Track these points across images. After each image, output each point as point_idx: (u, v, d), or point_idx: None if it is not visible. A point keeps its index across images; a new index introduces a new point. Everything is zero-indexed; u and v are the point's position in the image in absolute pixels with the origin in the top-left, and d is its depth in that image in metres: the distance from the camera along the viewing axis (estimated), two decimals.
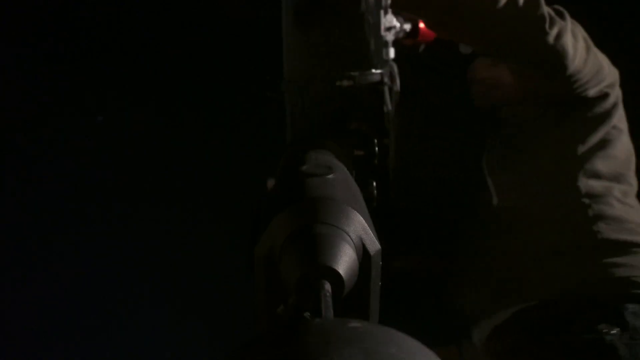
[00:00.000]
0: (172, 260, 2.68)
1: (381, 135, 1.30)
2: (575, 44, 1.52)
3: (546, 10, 1.49)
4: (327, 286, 0.65)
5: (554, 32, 1.47)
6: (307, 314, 0.68)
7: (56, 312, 2.68)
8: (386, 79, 1.30)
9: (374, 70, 1.28)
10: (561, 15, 1.53)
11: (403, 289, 1.56)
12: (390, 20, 1.41)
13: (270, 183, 1.15)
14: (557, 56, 1.49)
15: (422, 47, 1.71)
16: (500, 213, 1.58)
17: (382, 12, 1.29)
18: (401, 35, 1.55)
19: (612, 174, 1.55)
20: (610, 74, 1.63)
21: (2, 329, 2.63)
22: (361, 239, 0.74)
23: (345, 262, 0.69)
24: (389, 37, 1.39)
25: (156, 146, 2.66)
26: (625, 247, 1.44)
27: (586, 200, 1.48)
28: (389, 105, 1.34)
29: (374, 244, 0.75)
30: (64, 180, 2.64)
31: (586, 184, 1.52)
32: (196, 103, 2.61)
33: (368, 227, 0.76)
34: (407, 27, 1.60)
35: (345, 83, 1.22)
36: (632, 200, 1.57)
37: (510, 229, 1.55)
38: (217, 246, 2.55)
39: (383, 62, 1.33)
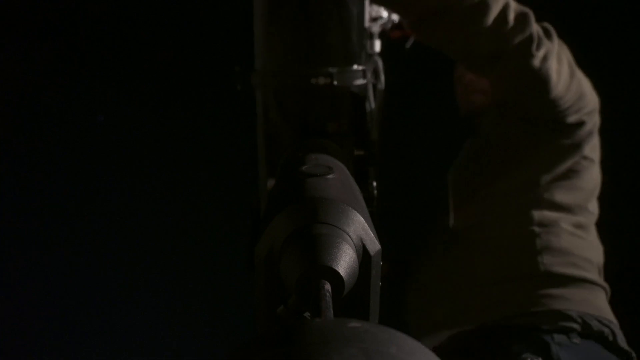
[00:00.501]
0: (172, 260, 2.69)
1: (363, 137, 1.20)
2: (560, 69, 1.47)
3: (535, 29, 1.41)
4: (327, 286, 0.65)
5: (539, 55, 1.41)
6: (307, 314, 0.68)
7: (56, 312, 2.68)
8: (369, 76, 1.21)
9: (355, 67, 1.16)
10: (549, 36, 1.46)
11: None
12: (377, 9, 1.31)
13: (270, 183, 1.14)
14: (540, 80, 1.44)
15: (410, 41, 1.61)
16: (454, 235, 1.54)
17: (366, 0, 1.18)
18: (389, 26, 1.45)
19: (570, 205, 1.53)
20: (591, 101, 1.56)
21: (2, 329, 2.63)
22: (361, 239, 0.74)
23: (345, 262, 0.69)
24: (375, 28, 1.30)
25: (156, 146, 2.66)
26: (565, 281, 1.43)
27: (536, 229, 1.47)
28: (372, 105, 1.24)
29: (374, 244, 0.75)
30: (64, 180, 2.64)
31: (540, 213, 1.49)
32: (196, 103, 2.61)
33: (368, 227, 0.76)
34: (396, 17, 1.48)
35: (321, 81, 1.12)
36: (585, 232, 1.54)
37: (460, 252, 1.53)
38: (217, 246, 2.55)
39: (367, 57, 1.22)
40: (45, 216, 2.67)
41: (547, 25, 1.49)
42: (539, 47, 1.40)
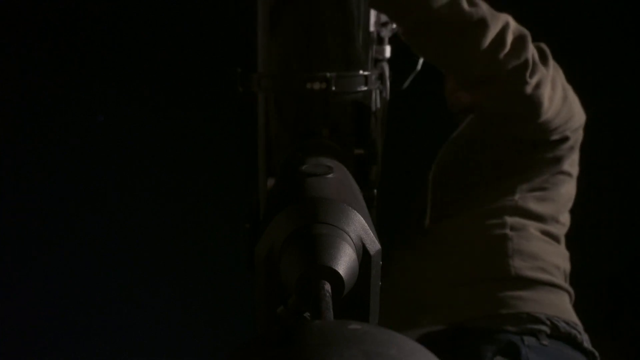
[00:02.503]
0: (172, 260, 2.69)
1: (361, 146, 1.17)
2: (553, 95, 1.45)
3: (531, 53, 1.38)
4: (327, 286, 0.65)
5: (533, 82, 1.38)
6: (307, 314, 0.68)
7: (56, 312, 2.69)
8: (373, 82, 1.17)
9: (358, 72, 1.14)
10: (544, 60, 1.43)
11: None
12: None
13: (270, 183, 1.14)
14: (531, 106, 1.42)
15: None
16: (428, 235, 1.54)
17: None
18: (401, 31, 1.39)
19: (543, 215, 1.54)
20: (578, 120, 1.56)
21: (2, 329, 2.63)
22: (361, 239, 0.74)
23: (345, 262, 0.69)
24: (385, 33, 1.26)
25: (156, 146, 2.66)
26: (533, 284, 1.46)
27: (509, 233, 1.48)
28: (374, 110, 1.21)
29: (374, 244, 0.75)
30: (64, 180, 2.65)
31: (513, 219, 1.51)
32: (196, 103, 2.61)
33: (368, 227, 0.76)
34: None
35: (316, 86, 1.09)
36: (554, 240, 1.56)
37: (432, 251, 1.53)
38: (217, 246, 2.55)
39: (373, 63, 1.20)
40: (45, 216, 2.67)
41: (542, 46, 1.46)
42: (533, 74, 1.38)
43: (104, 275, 2.68)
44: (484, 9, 1.31)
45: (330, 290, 0.65)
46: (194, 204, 2.66)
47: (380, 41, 1.24)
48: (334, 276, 0.67)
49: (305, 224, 0.73)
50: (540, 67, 1.40)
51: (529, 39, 1.38)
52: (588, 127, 1.71)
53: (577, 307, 1.58)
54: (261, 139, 1.18)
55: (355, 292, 0.71)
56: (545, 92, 1.41)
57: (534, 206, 1.53)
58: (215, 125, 2.54)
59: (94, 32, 2.62)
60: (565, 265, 1.56)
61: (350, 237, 0.73)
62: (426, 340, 1.46)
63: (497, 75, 1.36)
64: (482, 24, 1.29)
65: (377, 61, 1.23)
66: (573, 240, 1.66)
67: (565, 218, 1.61)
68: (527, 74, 1.36)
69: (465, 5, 1.27)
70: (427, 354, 0.46)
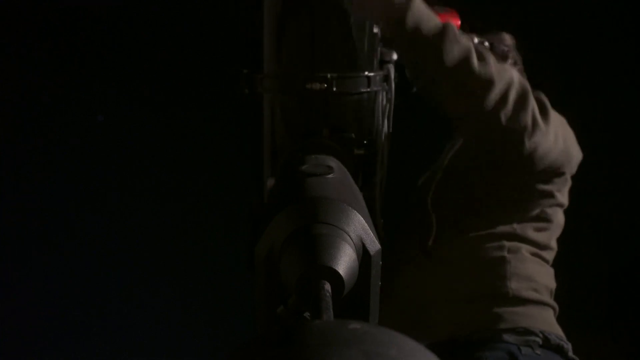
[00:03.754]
0: (172, 260, 2.68)
1: (362, 146, 1.17)
2: (554, 147, 1.52)
3: (531, 114, 1.43)
4: (327, 286, 0.65)
5: (533, 141, 1.45)
6: (307, 314, 0.68)
7: (56, 312, 2.68)
8: (377, 83, 1.17)
9: (361, 73, 1.13)
10: (544, 113, 1.48)
11: None
12: None
13: (270, 182, 1.14)
14: (529, 158, 1.51)
15: None
16: (431, 255, 1.61)
17: None
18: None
19: (538, 242, 1.66)
20: (574, 158, 1.63)
21: (2, 329, 2.63)
22: (361, 239, 0.74)
23: (345, 262, 0.69)
24: None
25: (156, 146, 2.66)
26: (528, 303, 1.58)
27: (507, 256, 1.60)
28: (378, 112, 1.21)
29: (374, 244, 0.75)
30: (64, 180, 2.64)
31: (511, 243, 1.61)
32: (196, 103, 2.61)
33: (368, 227, 0.76)
34: None
35: (316, 86, 1.09)
36: (545, 261, 1.68)
37: (435, 272, 1.60)
38: (217, 246, 2.55)
39: (377, 64, 1.19)
40: (45, 216, 2.67)
41: (542, 98, 1.51)
42: (532, 135, 1.44)
43: (104, 275, 2.68)
44: (492, 65, 1.35)
45: (330, 290, 0.65)
46: (194, 204, 2.66)
47: (387, 43, 1.24)
48: (334, 276, 0.67)
49: (305, 224, 0.73)
50: (540, 125, 1.45)
51: (530, 95, 1.43)
52: (588, 127, 1.71)
53: (577, 307, 1.62)
54: (266, 140, 1.18)
55: (355, 292, 0.71)
56: (545, 146, 1.48)
57: (532, 234, 1.63)
58: (215, 125, 2.54)
59: (94, 32, 2.62)
60: (553, 284, 1.68)
61: (350, 237, 0.73)
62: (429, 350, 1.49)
63: (495, 130, 1.43)
64: (488, 84, 1.34)
65: (384, 62, 1.23)
66: (573, 240, 1.68)
67: (555, 243, 1.73)
68: (526, 135, 1.43)
69: (475, 63, 1.31)
70: (427, 354, 0.46)
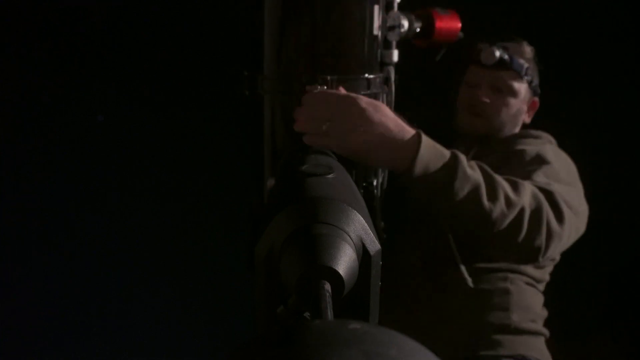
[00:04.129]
0: (172, 260, 2.69)
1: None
2: (568, 242, 1.57)
3: (545, 229, 1.43)
4: (327, 286, 0.65)
5: (548, 252, 1.47)
6: (307, 314, 0.68)
7: (56, 312, 2.69)
8: (377, 85, 1.18)
9: (361, 75, 1.14)
10: (560, 219, 1.48)
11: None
12: (394, 17, 1.24)
13: (270, 182, 1.14)
14: (539, 264, 1.69)
15: (442, 50, 1.58)
16: (450, 280, 1.71)
17: (376, 6, 1.13)
18: (411, 35, 1.38)
19: (537, 278, 1.80)
20: (583, 228, 1.67)
21: (3, 329, 2.63)
22: (361, 239, 0.74)
23: (345, 262, 0.69)
24: (392, 37, 1.25)
25: (156, 146, 2.66)
26: (526, 333, 1.74)
27: (510, 287, 1.73)
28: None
29: (374, 244, 0.75)
30: (64, 180, 2.65)
31: (513, 275, 1.75)
32: (196, 103, 2.61)
33: (368, 227, 0.76)
34: (418, 26, 1.41)
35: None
36: (539, 291, 1.83)
37: (444, 297, 1.72)
38: (217, 246, 2.55)
39: (379, 66, 1.19)
40: (45, 216, 2.67)
41: (558, 202, 1.50)
42: (547, 249, 1.46)
43: (104, 275, 2.68)
44: (502, 200, 1.33)
45: (330, 290, 0.65)
46: (194, 204, 2.66)
47: (388, 45, 1.23)
48: (334, 276, 0.66)
49: (305, 224, 0.73)
50: (555, 234, 1.46)
51: (544, 211, 1.43)
52: (588, 128, 1.71)
53: (578, 307, 1.65)
54: (267, 140, 1.18)
55: (355, 292, 0.71)
56: (552, 250, 1.50)
57: (531, 271, 1.78)
58: (216, 126, 2.54)
59: (94, 32, 2.62)
60: (545, 312, 1.83)
61: (350, 237, 0.73)
62: None
63: (511, 251, 1.49)
64: (500, 218, 1.33)
65: (384, 65, 1.23)
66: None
67: (548, 276, 1.85)
68: (540, 254, 1.46)
69: (485, 202, 1.30)
70: (427, 354, 0.46)
